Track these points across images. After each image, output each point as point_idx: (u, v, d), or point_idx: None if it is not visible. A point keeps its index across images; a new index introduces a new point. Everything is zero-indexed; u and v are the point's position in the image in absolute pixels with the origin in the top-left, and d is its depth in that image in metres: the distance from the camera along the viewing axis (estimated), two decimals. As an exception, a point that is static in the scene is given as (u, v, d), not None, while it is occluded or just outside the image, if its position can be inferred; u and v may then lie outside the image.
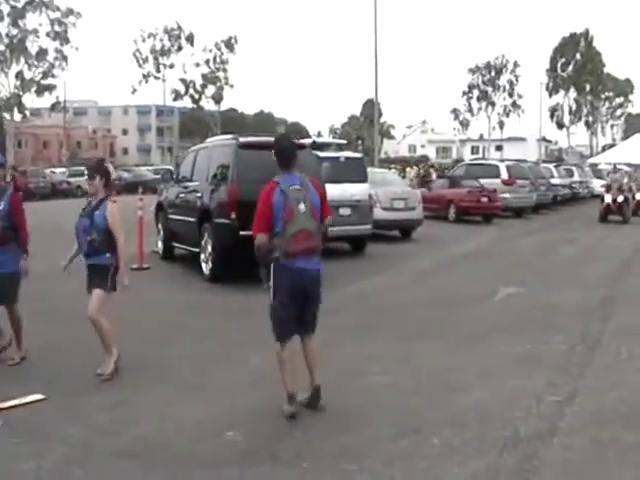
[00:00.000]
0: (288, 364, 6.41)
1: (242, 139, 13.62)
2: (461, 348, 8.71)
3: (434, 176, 40.15)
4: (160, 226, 16.39)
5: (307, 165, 13.46)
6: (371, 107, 55.13)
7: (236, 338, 9.24)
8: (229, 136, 14.77)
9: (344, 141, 23.90)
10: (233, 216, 12.40)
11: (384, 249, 18.08)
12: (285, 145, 6.76)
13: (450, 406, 6.63)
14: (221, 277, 12.89)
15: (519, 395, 6.89)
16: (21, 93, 76.92)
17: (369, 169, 20.03)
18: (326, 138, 67.56)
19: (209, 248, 13.04)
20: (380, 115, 58.65)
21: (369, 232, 17.42)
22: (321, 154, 16.25)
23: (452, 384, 7.29)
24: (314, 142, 17.85)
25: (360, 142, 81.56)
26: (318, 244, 6.39)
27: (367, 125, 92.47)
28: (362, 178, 17.70)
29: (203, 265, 13.31)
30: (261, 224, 6.25)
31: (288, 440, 5.89)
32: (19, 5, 74.98)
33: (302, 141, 16.24)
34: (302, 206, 6.26)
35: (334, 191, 14.58)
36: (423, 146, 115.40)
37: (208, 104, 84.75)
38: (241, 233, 12.14)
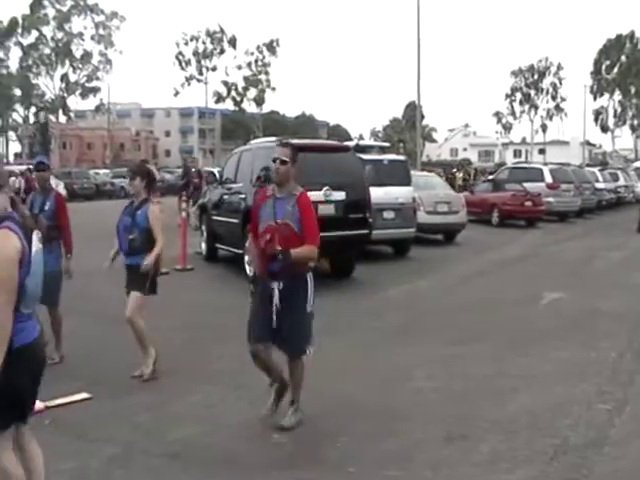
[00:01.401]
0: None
1: (286, 141, 13.60)
2: (507, 353, 8.60)
3: (480, 178, 39.64)
4: (203, 227, 16.49)
5: (350, 168, 13.50)
6: (413, 110, 55.14)
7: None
8: (272, 138, 14.78)
9: (387, 144, 23.80)
10: (276, 218, 12.36)
11: (427, 253, 17.97)
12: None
13: (498, 412, 6.54)
14: (264, 278, 12.79)
15: (568, 402, 6.77)
16: (66, 95, 78.36)
17: (412, 172, 19.94)
18: (368, 141, 67.61)
19: (252, 250, 13.01)
20: (422, 118, 58.57)
21: (412, 235, 17.33)
22: (364, 157, 16.19)
23: (499, 390, 7.20)
24: (357, 145, 17.80)
25: (402, 145, 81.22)
26: None
27: (409, 128, 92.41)
28: (406, 181, 17.61)
29: (247, 267, 13.31)
30: (319, 237, 6.16)
31: (334, 444, 5.87)
32: (64, 9, 76.17)
33: (345, 144, 16.28)
34: None
35: (378, 194, 14.57)
36: (465, 149, 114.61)
37: (250, 106, 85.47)
38: (284, 235, 12.18)
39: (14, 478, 4.15)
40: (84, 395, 6.99)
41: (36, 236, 4.20)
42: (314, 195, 12.56)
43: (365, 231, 13.37)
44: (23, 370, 4.08)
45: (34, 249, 4.12)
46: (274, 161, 6.09)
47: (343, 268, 13.97)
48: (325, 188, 12.70)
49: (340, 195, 12.92)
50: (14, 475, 4.15)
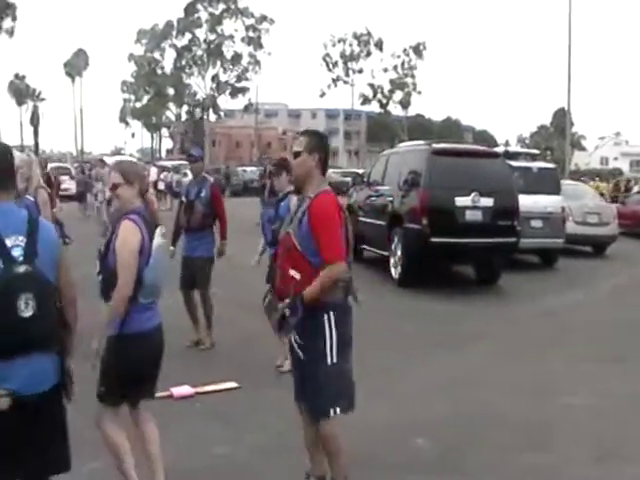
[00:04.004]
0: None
1: (436, 145, 13.64)
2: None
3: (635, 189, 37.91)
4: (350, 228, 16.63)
5: (499, 174, 13.32)
6: (562, 117, 53.65)
7: (427, 343, 9.26)
8: (421, 142, 14.79)
9: (536, 151, 23.25)
10: (424, 222, 12.42)
11: (575, 264, 17.44)
12: (324, 137, 4.98)
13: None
14: (410, 282, 12.91)
15: None
16: (216, 95, 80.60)
17: (561, 181, 19.43)
18: (515, 147, 66.25)
19: (399, 253, 13.12)
20: (571, 125, 56.81)
21: (560, 246, 16.89)
22: (513, 164, 15.93)
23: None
24: (506, 151, 17.51)
25: (549, 153, 79.26)
26: None
27: (557, 135, 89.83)
28: (555, 190, 17.18)
29: (392, 269, 13.39)
30: (341, 249, 4.48)
31: (477, 453, 5.82)
32: (217, 12, 78.47)
33: (495, 150, 16.06)
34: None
35: (526, 202, 14.30)
36: (616, 159, 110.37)
37: (395, 109, 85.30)
38: (432, 239, 12.18)
39: (119, 445, 4.47)
40: (233, 384, 7.22)
41: (160, 231, 4.48)
42: (462, 200, 12.59)
43: (512, 239, 13.17)
44: (133, 356, 4.36)
45: (155, 243, 4.40)
46: None
47: (489, 275, 13.81)
48: (473, 194, 12.59)
49: (488, 201, 12.78)
50: (119, 443, 4.47)
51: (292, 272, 4.46)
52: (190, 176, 10.10)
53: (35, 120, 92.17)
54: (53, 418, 3.70)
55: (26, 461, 3.63)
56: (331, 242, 4.39)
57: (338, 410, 4.55)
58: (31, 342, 3.49)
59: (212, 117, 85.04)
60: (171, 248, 8.61)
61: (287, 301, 4.43)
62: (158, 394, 6.35)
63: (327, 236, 4.38)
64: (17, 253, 3.49)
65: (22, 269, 3.47)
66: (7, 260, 3.45)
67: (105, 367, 4.32)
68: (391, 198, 13.91)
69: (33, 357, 3.50)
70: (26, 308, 3.44)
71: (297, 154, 4.58)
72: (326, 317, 4.46)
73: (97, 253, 4.47)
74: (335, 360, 4.51)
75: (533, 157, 18.89)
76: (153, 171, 34.68)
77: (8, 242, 3.49)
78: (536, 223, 16.02)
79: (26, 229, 3.57)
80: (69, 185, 38.67)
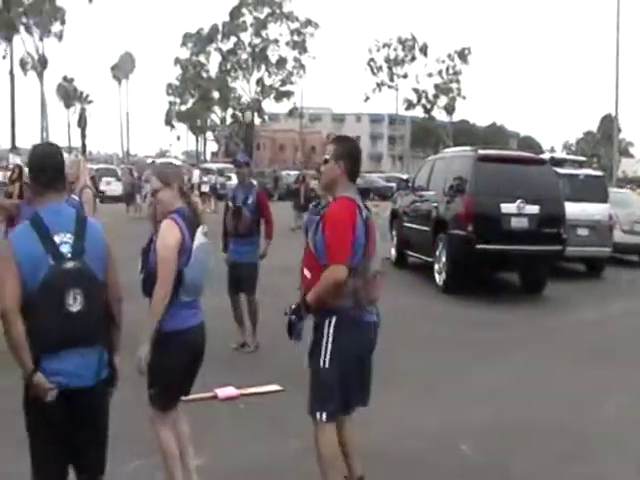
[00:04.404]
0: (338, 457, 4.70)
1: (481, 151, 13.58)
2: None
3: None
4: (394, 233, 16.63)
5: (545, 181, 13.21)
6: (609, 123, 53.04)
7: (470, 350, 9.22)
8: (467, 148, 14.73)
9: (583, 158, 22.99)
10: (470, 228, 12.36)
11: (623, 274, 17.21)
12: (353, 144, 4.91)
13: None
14: (455, 289, 12.87)
15: None
16: (261, 99, 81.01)
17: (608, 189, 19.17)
18: (560, 154, 65.56)
19: (443, 259, 13.08)
20: (619, 132, 56.07)
21: (607, 254, 16.67)
22: (560, 171, 15.77)
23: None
24: (552, 158, 17.34)
25: (596, 160, 78.32)
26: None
27: (604, 142, 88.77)
28: (602, 198, 16.93)
29: (436, 275, 13.34)
30: (345, 254, 4.38)
31: (520, 461, 5.78)
32: (262, 16, 78.96)
33: (541, 156, 15.93)
34: (377, 236, 4.67)
35: (572, 210, 14.14)
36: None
37: (440, 114, 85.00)
38: (477, 246, 12.12)
39: (170, 455, 4.49)
40: (276, 387, 7.27)
41: (201, 231, 4.52)
42: (507, 207, 12.51)
43: (558, 247, 13.04)
44: (174, 353, 4.38)
45: (197, 243, 4.44)
46: None
47: (534, 284, 13.68)
48: (519, 201, 12.50)
49: (534, 209, 12.67)
50: (171, 452, 4.49)
51: (306, 271, 4.54)
52: (234, 179, 10.20)
53: (82, 122, 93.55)
54: (98, 413, 3.77)
55: (74, 453, 3.72)
56: (336, 244, 4.38)
57: (324, 416, 4.50)
58: (78, 337, 3.57)
59: (256, 121, 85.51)
60: (224, 254, 8.78)
61: (292, 306, 4.51)
62: (203, 395, 6.45)
63: (333, 238, 4.39)
64: (65, 249, 3.58)
65: (71, 265, 3.56)
66: (56, 256, 3.54)
67: (153, 369, 4.35)
68: (436, 204, 13.87)
69: (80, 352, 3.58)
70: (74, 303, 3.53)
71: (325, 161, 4.66)
72: (327, 321, 4.45)
73: (140, 251, 4.54)
74: (327, 365, 4.45)
75: (580, 164, 18.68)
76: (195, 173, 34.98)
77: (57, 239, 3.58)
78: (582, 231, 15.82)
79: (74, 227, 3.67)
80: (115, 187, 39.26)
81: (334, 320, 4.44)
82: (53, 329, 3.51)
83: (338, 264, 4.33)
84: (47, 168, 3.78)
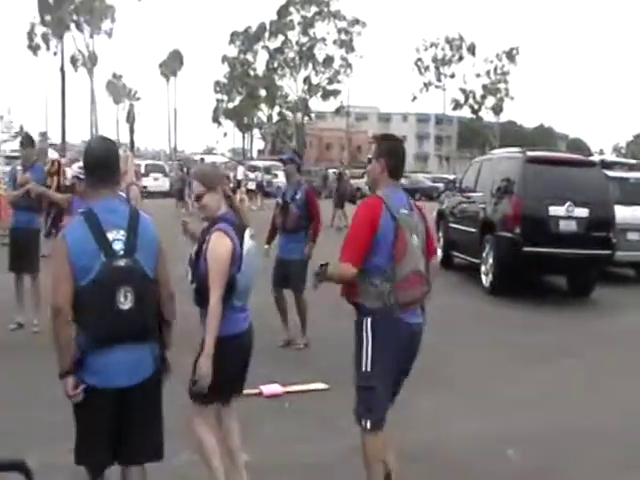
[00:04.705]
0: (379, 463, 4.61)
1: (530, 153, 13.46)
2: None
3: None
4: (440, 234, 16.55)
5: (595, 184, 13.04)
6: (662, 126, 52.05)
7: (517, 353, 9.13)
8: (515, 149, 14.61)
9: (634, 161, 22.63)
10: (517, 230, 12.26)
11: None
12: (394, 141, 4.90)
13: None
14: (501, 291, 12.77)
15: None
16: (308, 97, 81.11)
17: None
18: (609, 156, 64.49)
19: (490, 260, 12.98)
20: (671, 135, 55.12)
21: (658, 259, 16.37)
22: (610, 174, 15.55)
23: None
24: (603, 160, 17.10)
25: (646, 163, 77.08)
26: (429, 290, 4.68)
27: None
28: (655, 201, 16.67)
29: (483, 277, 13.25)
30: (355, 253, 4.40)
31: (568, 469, 5.71)
32: (309, 15, 79.05)
33: (591, 159, 15.72)
34: (415, 238, 4.53)
35: (623, 214, 13.92)
36: None
37: (487, 115, 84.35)
38: (525, 249, 12.02)
39: (209, 448, 4.48)
40: (322, 385, 7.30)
41: (249, 233, 4.49)
42: (556, 210, 12.38)
43: (607, 251, 12.85)
44: (228, 357, 4.36)
45: (246, 247, 4.41)
46: None
47: (582, 288, 13.51)
48: (568, 203, 12.36)
49: (583, 212, 12.52)
50: (209, 446, 4.48)
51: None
52: (281, 177, 10.31)
53: (131, 118, 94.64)
54: (149, 407, 3.80)
55: (124, 446, 3.75)
56: (348, 242, 4.46)
57: (369, 424, 4.47)
58: (128, 334, 3.59)
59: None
60: (266, 247, 8.76)
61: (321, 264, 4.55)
62: (248, 391, 6.48)
63: (348, 236, 4.51)
64: (118, 247, 3.60)
65: (123, 262, 3.58)
66: (108, 253, 3.56)
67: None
68: (484, 205, 13.77)
69: (129, 348, 3.61)
70: (125, 301, 3.55)
71: (369, 160, 4.72)
72: (364, 321, 4.44)
73: (188, 260, 4.48)
74: (369, 369, 4.44)
75: (630, 167, 18.38)
76: (240, 170, 35.17)
77: (110, 236, 3.60)
78: (633, 235, 15.53)
79: (127, 224, 3.68)
80: (162, 182, 39.79)
81: (369, 322, 4.42)
82: (103, 326, 3.54)
83: (345, 262, 4.40)
84: (103, 163, 3.78)
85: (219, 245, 4.30)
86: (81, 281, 3.53)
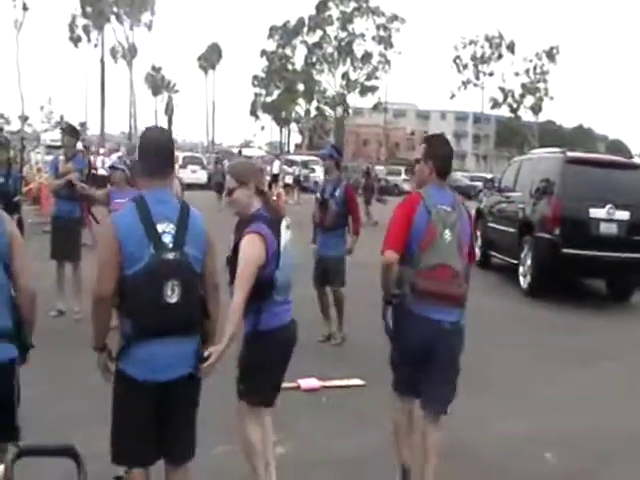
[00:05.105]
0: (406, 432, 4.97)
1: (570, 153, 13.33)
2: None
3: None
4: (479, 233, 16.44)
5: (637, 187, 12.86)
6: None
7: (555, 355, 9.06)
8: (555, 149, 14.47)
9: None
10: (556, 232, 12.16)
11: None
12: (443, 143, 4.98)
13: None
14: (539, 292, 12.67)
15: None
16: (346, 93, 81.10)
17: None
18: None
19: (528, 261, 12.88)
20: None
21: None
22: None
23: None
24: (646, 163, 16.89)
25: (687, 166, 75.93)
26: (464, 290, 4.72)
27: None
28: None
29: (521, 278, 13.14)
30: (394, 241, 4.60)
31: (605, 474, 5.67)
32: (348, 10, 79.02)
33: (633, 161, 15.54)
34: (448, 233, 4.61)
35: (664, 217, 13.73)
36: None
37: (526, 114, 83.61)
38: (564, 250, 11.92)
39: (254, 449, 4.46)
40: (358, 381, 7.33)
41: (285, 225, 4.44)
42: (596, 212, 12.24)
43: (648, 255, 12.70)
44: (272, 350, 4.38)
45: (283, 242, 4.37)
46: None
47: (621, 292, 13.40)
48: (609, 206, 12.22)
49: (624, 215, 12.37)
50: (255, 447, 4.46)
51: None
52: (318, 172, 10.31)
53: (169, 110, 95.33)
54: (188, 404, 3.78)
55: (163, 444, 3.73)
56: (387, 234, 4.66)
57: (396, 393, 4.89)
58: (173, 328, 3.57)
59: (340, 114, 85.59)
60: (312, 246, 8.90)
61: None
62: (285, 384, 6.51)
63: (388, 228, 4.69)
64: (167, 239, 3.56)
65: (171, 256, 3.55)
66: (158, 245, 3.54)
67: (245, 365, 4.40)
68: (522, 205, 13.67)
69: (172, 342, 3.58)
70: (172, 294, 3.52)
71: (417, 161, 4.85)
72: (388, 313, 4.74)
73: (226, 258, 4.43)
74: (395, 352, 4.84)
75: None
76: (276, 164, 35.23)
77: (160, 228, 3.57)
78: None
79: (177, 217, 3.65)
80: (200, 175, 40.13)
81: (390, 310, 4.71)
82: (148, 318, 3.52)
83: (384, 251, 4.58)
84: (159, 152, 3.75)
85: (250, 247, 4.23)
86: (128, 270, 3.51)
